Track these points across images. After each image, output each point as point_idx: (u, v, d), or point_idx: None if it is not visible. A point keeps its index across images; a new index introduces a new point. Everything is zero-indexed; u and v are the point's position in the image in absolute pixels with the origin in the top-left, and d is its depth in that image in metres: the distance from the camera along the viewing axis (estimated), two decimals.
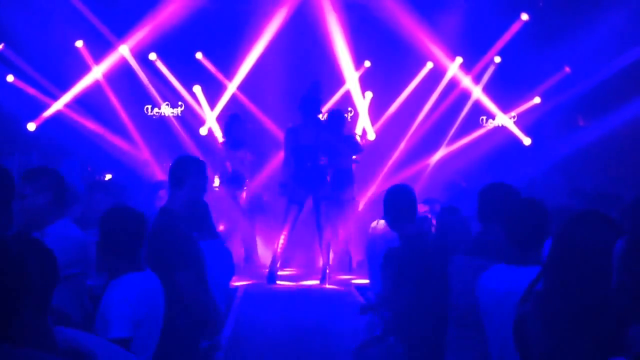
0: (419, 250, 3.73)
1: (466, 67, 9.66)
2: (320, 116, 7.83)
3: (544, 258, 2.45)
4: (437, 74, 9.70)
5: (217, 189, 8.36)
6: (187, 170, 3.65)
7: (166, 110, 9.73)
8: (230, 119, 8.65)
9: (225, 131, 8.62)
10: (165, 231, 3.46)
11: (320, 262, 7.66)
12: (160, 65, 9.57)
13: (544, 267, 2.22)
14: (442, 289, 3.45)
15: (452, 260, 3.42)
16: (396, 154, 9.53)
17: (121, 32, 9.19)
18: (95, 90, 9.31)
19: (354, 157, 8.00)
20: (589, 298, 2.05)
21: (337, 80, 9.54)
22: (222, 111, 9.52)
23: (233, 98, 9.58)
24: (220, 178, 8.54)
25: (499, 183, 3.47)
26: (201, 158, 7.47)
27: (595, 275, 2.05)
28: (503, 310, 2.81)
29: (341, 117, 8.17)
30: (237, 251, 8.46)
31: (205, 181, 3.74)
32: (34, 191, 3.32)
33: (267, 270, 7.49)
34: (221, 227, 6.79)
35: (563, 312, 2.09)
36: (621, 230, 2.10)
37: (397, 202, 3.99)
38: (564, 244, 2.15)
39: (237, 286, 7.04)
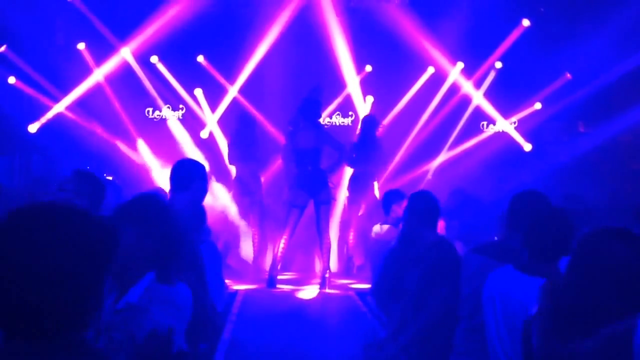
0: (440, 259, 3.68)
1: (467, 72, 9.68)
2: (320, 120, 7.85)
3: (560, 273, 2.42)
4: (438, 78, 9.71)
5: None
6: (193, 174, 3.67)
7: (167, 113, 9.74)
8: (242, 119, 8.55)
9: (236, 131, 8.48)
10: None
11: (320, 267, 7.65)
12: (161, 68, 9.58)
13: (564, 279, 2.17)
14: (453, 298, 3.45)
15: (468, 259, 3.40)
16: (397, 159, 9.53)
17: (123, 35, 9.21)
18: (96, 92, 9.32)
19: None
20: (613, 316, 2.00)
21: (339, 84, 9.56)
22: (224, 114, 9.53)
23: (234, 101, 9.59)
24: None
25: (531, 191, 3.36)
26: (203, 161, 7.51)
27: (621, 293, 2.02)
28: (500, 314, 2.82)
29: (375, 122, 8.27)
30: (238, 255, 8.49)
31: (207, 184, 3.76)
32: (74, 192, 3.42)
33: (267, 274, 7.48)
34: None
35: (584, 326, 2.05)
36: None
37: (422, 207, 3.90)
38: (586, 259, 2.11)
39: (237, 290, 7.04)
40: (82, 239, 1.41)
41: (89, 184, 3.46)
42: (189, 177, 3.64)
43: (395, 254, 4.52)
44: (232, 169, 8.57)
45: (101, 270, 1.45)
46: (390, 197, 5.99)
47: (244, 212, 8.47)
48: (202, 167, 3.80)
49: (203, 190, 3.71)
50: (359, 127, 8.44)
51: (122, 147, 9.38)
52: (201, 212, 4.14)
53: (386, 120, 9.60)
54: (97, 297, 1.45)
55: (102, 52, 9.28)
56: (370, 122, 8.30)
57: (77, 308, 1.40)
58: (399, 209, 5.67)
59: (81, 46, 9.28)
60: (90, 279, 1.42)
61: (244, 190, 8.32)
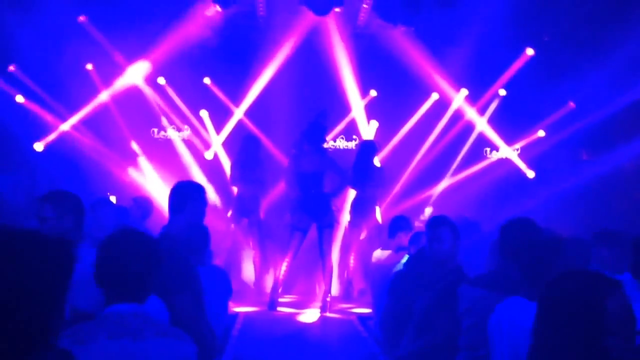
0: (454, 285, 3.67)
1: (471, 99, 9.73)
2: (324, 144, 7.88)
3: None
4: (442, 104, 9.77)
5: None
6: (187, 195, 3.68)
7: (172, 133, 9.80)
8: (247, 140, 8.62)
9: (240, 151, 8.54)
10: (164, 255, 3.46)
11: (321, 290, 7.63)
12: (168, 89, 9.67)
13: (534, 324, 2.12)
14: (456, 325, 3.45)
15: (465, 291, 3.40)
16: (400, 184, 9.55)
17: (132, 56, 9.30)
18: (103, 112, 9.39)
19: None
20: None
21: (343, 108, 9.62)
22: (229, 136, 9.59)
23: (239, 124, 9.65)
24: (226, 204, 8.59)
25: (521, 218, 3.35)
26: (206, 182, 7.52)
27: (587, 332, 1.93)
28: (506, 343, 2.80)
29: (372, 147, 8.30)
30: (239, 277, 8.49)
31: (204, 206, 3.75)
32: (57, 215, 3.30)
33: (268, 296, 7.47)
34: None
35: None
36: (613, 283, 1.99)
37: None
38: (550, 301, 2.06)
39: (238, 312, 7.02)
40: (34, 259, 1.41)
41: (69, 202, 3.38)
42: (182, 198, 3.66)
43: (404, 279, 4.52)
44: (234, 189, 8.60)
45: (59, 289, 1.45)
46: (399, 224, 5.98)
47: (243, 234, 8.49)
48: (198, 188, 3.79)
49: (198, 212, 3.70)
50: (356, 151, 8.48)
51: (131, 171, 9.42)
52: (202, 234, 4.15)
53: (390, 145, 9.66)
54: (59, 316, 1.44)
55: (110, 72, 9.38)
56: (367, 147, 8.32)
57: (37, 328, 1.39)
58: (405, 238, 5.67)
59: (89, 67, 9.38)
60: (49, 298, 1.42)
61: (243, 211, 8.34)
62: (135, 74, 9.39)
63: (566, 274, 2.06)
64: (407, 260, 4.86)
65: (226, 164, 9.36)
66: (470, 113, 9.76)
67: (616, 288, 1.93)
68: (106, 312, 2.38)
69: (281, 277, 7.46)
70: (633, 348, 1.93)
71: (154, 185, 9.28)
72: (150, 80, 9.57)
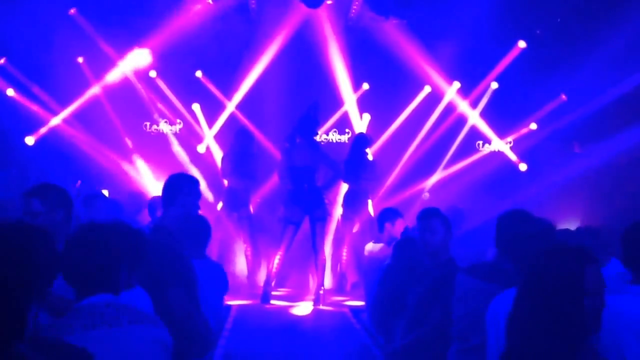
0: (448, 276, 3.69)
1: (463, 92, 9.75)
2: (316, 137, 7.88)
3: None
4: (434, 98, 9.78)
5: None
6: (178, 188, 3.68)
7: (165, 127, 9.78)
8: (240, 133, 8.62)
9: (233, 145, 8.54)
10: (156, 248, 3.46)
11: (314, 283, 7.65)
12: (160, 83, 9.63)
13: (516, 296, 2.30)
14: (448, 317, 3.46)
15: (460, 280, 3.42)
16: (392, 177, 9.57)
17: (123, 49, 9.26)
18: (94, 105, 9.35)
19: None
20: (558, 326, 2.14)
21: (336, 101, 9.62)
22: (221, 130, 9.58)
23: (232, 117, 9.64)
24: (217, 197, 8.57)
25: (517, 210, 3.33)
26: (198, 175, 7.51)
27: (569, 294, 2.16)
28: (502, 334, 2.81)
29: (365, 140, 8.31)
30: (231, 270, 8.49)
31: (196, 199, 3.74)
32: (47, 209, 3.26)
33: (261, 289, 7.48)
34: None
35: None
36: (590, 255, 2.19)
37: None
38: (536, 274, 2.24)
39: (231, 305, 7.02)
40: (10, 250, 1.42)
41: (58, 195, 3.36)
42: (172, 191, 3.67)
43: (395, 271, 4.53)
44: (225, 182, 8.59)
45: (31, 281, 1.46)
46: (385, 215, 6.01)
47: (234, 227, 8.49)
48: (189, 181, 3.78)
49: (190, 204, 3.69)
50: (350, 144, 8.50)
51: (120, 162, 9.39)
52: (201, 227, 4.13)
53: (382, 138, 9.68)
54: (30, 307, 1.44)
55: (101, 66, 9.33)
56: (360, 140, 8.35)
57: (12, 319, 1.39)
58: (392, 228, 5.69)
59: (80, 60, 9.33)
60: (22, 289, 1.42)
61: (233, 205, 8.34)
62: (130, 63, 9.34)
63: (550, 249, 2.28)
64: (393, 249, 4.86)
65: (218, 157, 9.34)
66: (463, 106, 9.79)
67: (593, 257, 2.22)
68: (77, 305, 2.36)
69: (274, 270, 7.47)
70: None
71: (147, 179, 9.26)
72: (142, 73, 9.53)
